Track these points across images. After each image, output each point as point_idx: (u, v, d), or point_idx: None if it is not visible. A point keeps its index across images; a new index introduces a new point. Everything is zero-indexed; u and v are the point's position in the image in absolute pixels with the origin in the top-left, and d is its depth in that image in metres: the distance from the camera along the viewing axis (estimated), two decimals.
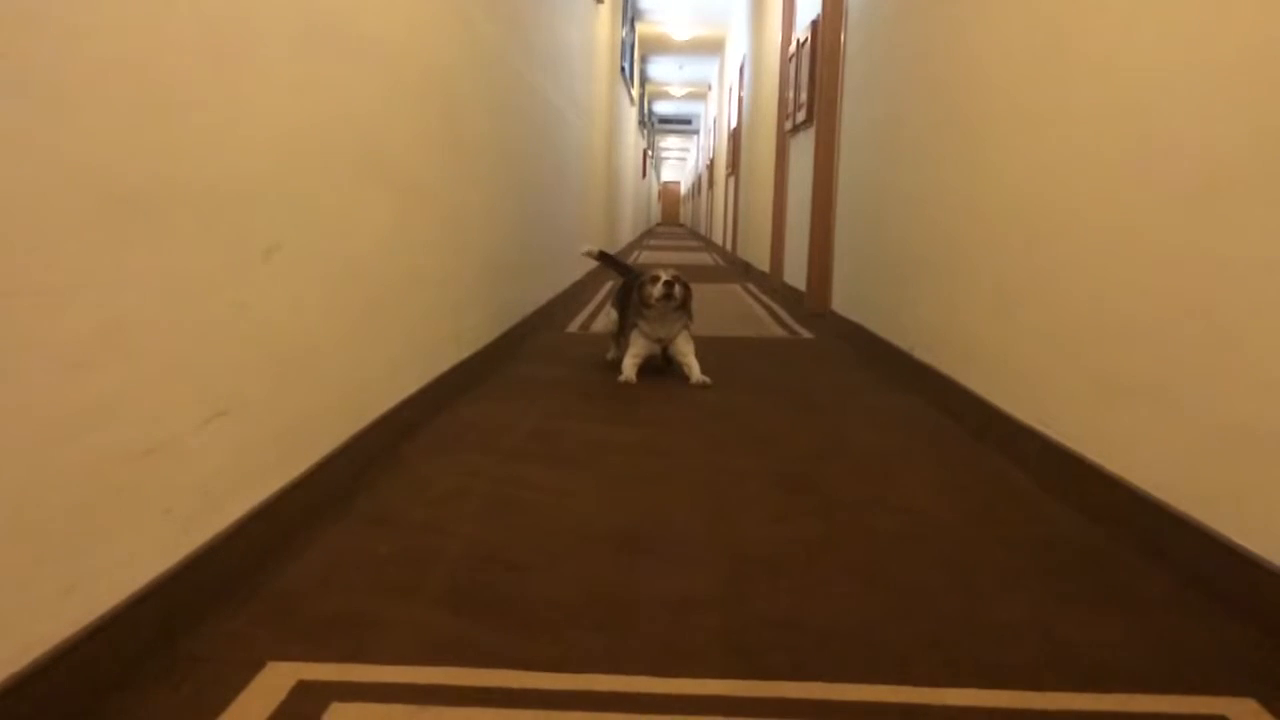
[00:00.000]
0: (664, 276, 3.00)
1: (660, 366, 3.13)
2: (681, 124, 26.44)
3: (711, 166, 16.58)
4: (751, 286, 6.93)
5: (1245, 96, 1.38)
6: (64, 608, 1.01)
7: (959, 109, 2.67)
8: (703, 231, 18.47)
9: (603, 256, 3.73)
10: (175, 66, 1.19)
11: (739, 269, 9.01)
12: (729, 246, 11.12)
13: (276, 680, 1.09)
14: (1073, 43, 1.95)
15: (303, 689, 1.08)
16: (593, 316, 4.83)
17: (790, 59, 5.98)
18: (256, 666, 1.12)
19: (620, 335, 3.25)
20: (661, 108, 23.21)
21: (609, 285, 6.68)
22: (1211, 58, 1.47)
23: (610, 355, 3.35)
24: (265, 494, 1.46)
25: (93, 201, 1.04)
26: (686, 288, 3.05)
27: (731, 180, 11.33)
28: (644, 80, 16.21)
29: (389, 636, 1.21)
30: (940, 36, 2.88)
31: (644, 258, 10.81)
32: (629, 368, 3.04)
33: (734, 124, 11.24)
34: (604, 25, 7.22)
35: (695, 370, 3.03)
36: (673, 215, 37.30)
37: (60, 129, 0.99)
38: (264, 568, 1.41)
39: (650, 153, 22.37)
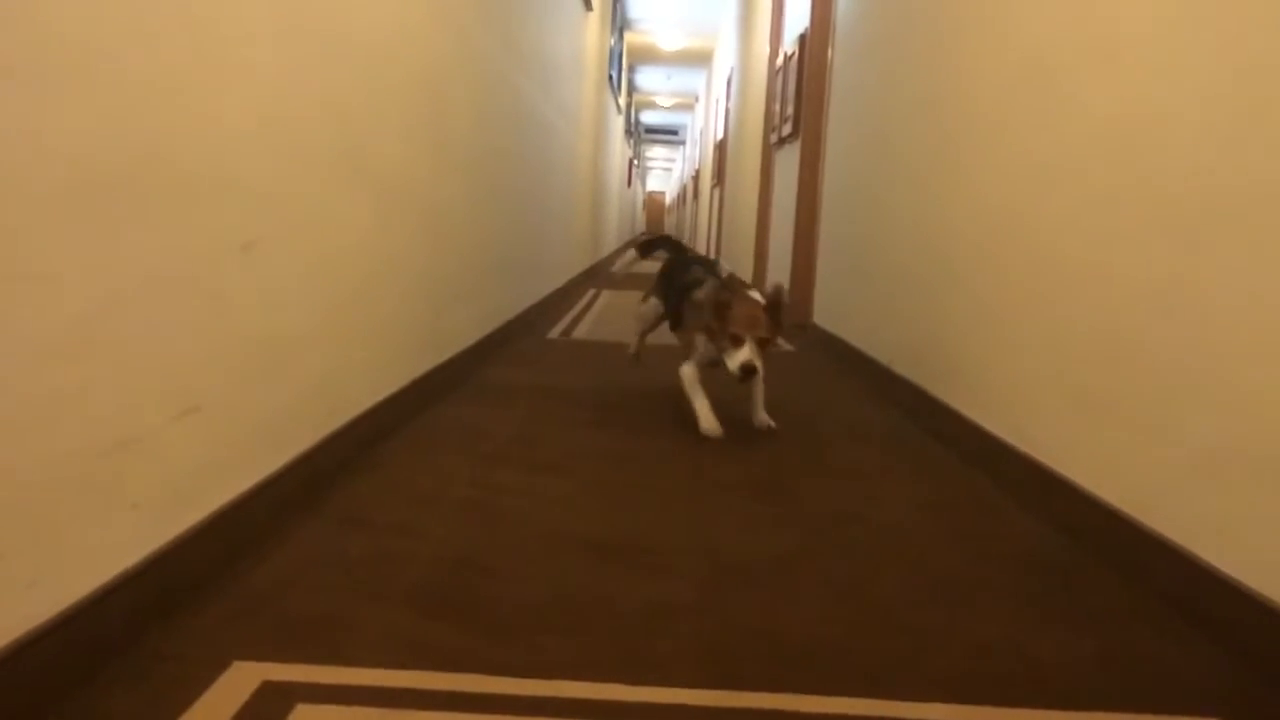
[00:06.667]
0: (746, 349, 2.22)
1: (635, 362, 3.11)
2: (668, 134, 26.50)
3: (697, 177, 16.63)
4: None
5: (1228, 132, 1.40)
6: (26, 602, 0.99)
7: (944, 127, 2.69)
8: (687, 242, 18.53)
9: (647, 246, 3.07)
10: (156, 55, 1.18)
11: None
12: (713, 257, 11.15)
13: (242, 680, 1.07)
14: (1055, 71, 1.97)
15: (268, 689, 1.06)
16: (575, 323, 4.82)
17: (777, 72, 6.01)
18: (222, 665, 1.10)
19: (678, 333, 2.67)
20: (648, 118, 23.26)
21: (590, 293, 6.66)
22: (1193, 94, 1.49)
23: (633, 351, 3.14)
24: (237, 491, 1.44)
25: (68, 188, 1.02)
26: (778, 321, 2.32)
27: (717, 191, 11.37)
28: (631, 89, 16.24)
29: (358, 638, 1.20)
30: (926, 55, 2.90)
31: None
32: (707, 414, 2.41)
33: (720, 136, 11.28)
34: (593, 32, 7.23)
35: (760, 402, 2.53)
36: (657, 225, 37.31)
37: (38, 116, 0.97)
38: (233, 566, 1.39)
39: (636, 162, 22.41)
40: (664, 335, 2.90)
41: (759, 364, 2.23)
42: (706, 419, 2.40)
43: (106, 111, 1.08)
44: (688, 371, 2.50)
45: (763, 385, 2.51)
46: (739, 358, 2.21)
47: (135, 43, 1.13)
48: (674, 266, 2.74)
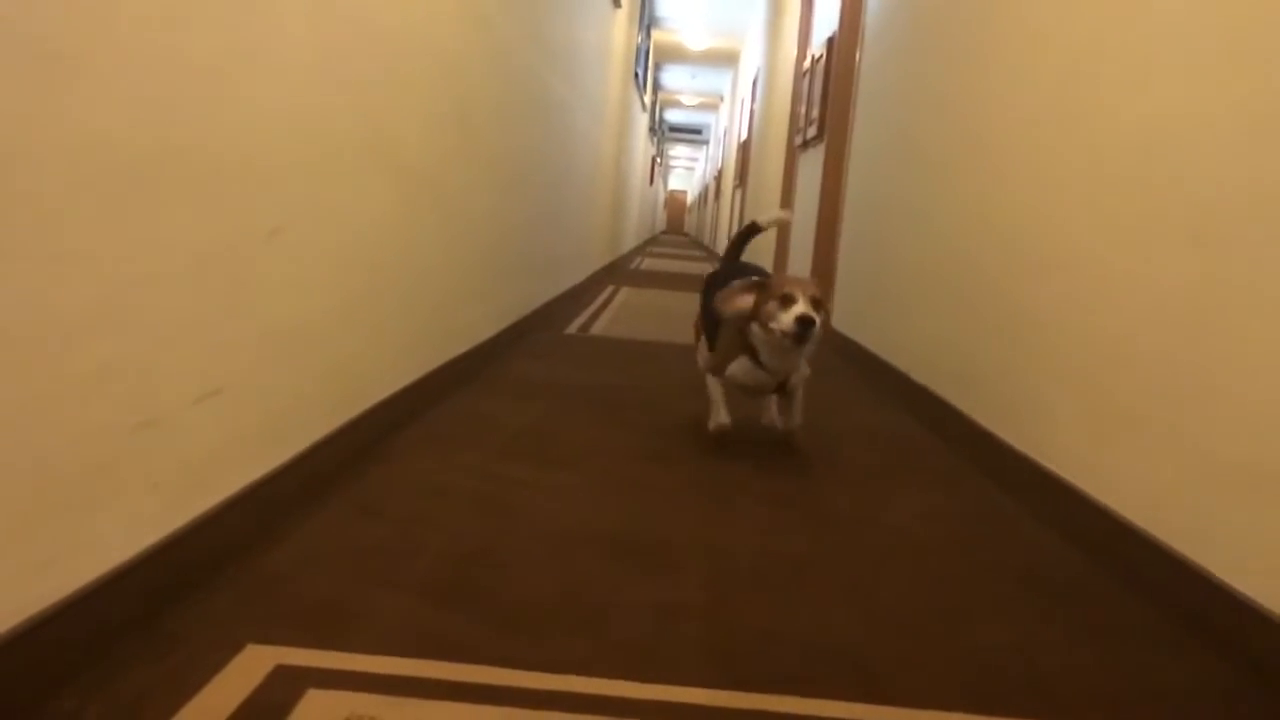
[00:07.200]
0: (801, 303, 1.98)
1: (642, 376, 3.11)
2: (691, 133, 26.52)
3: (720, 177, 16.60)
4: None
5: (1264, 142, 1.39)
6: (43, 579, 1.00)
7: (973, 133, 2.68)
8: (706, 241, 18.49)
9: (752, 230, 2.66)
10: (189, 40, 1.19)
11: None
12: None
13: (255, 663, 1.09)
14: (1088, 78, 1.96)
15: (281, 673, 1.07)
16: (593, 319, 4.83)
17: (804, 75, 6.00)
18: (235, 648, 1.11)
19: (710, 352, 2.35)
20: (672, 116, 23.26)
21: (609, 290, 6.66)
22: (1228, 104, 1.48)
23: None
24: (254, 476, 1.46)
25: (97, 167, 1.03)
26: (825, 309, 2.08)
27: (739, 192, 11.35)
28: (657, 87, 16.24)
29: (370, 626, 1.21)
30: (956, 61, 2.89)
31: (647, 264, 10.82)
32: (720, 407, 2.24)
33: (744, 136, 11.27)
34: (621, 29, 7.23)
35: (797, 413, 2.28)
36: (677, 224, 37.40)
37: (67, 93, 0.98)
38: (249, 550, 1.40)
39: (659, 160, 22.41)
40: (685, 334, 2.89)
41: (816, 316, 1.98)
42: (718, 411, 2.25)
43: (134, 91, 1.09)
44: (710, 370, 2.31)
45: (801, 397, 2.28)
46: (793, 311, 1.97)
47: (168, 28, 1.14)
48: (715, 280, 2.40)
